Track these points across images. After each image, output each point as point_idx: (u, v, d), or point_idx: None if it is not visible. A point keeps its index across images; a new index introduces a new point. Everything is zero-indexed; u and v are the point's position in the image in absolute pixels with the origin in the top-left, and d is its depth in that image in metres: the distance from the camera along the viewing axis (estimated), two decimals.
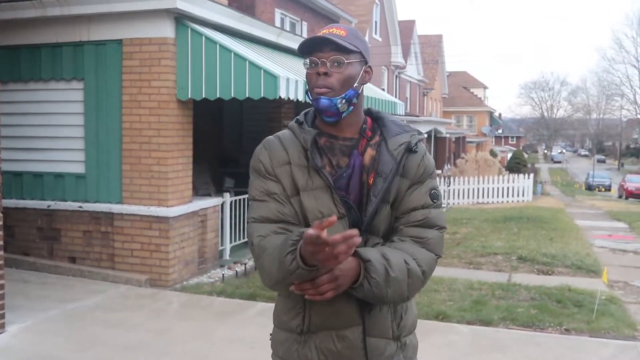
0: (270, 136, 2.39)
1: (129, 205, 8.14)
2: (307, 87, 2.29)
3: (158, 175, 8.00)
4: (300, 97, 8.53)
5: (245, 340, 6.00)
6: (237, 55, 7.92)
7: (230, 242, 9.80)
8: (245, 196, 10.30)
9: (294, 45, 10.85)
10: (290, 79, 8.20)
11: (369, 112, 2.44)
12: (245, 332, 6.26)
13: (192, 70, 8.00)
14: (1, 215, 5.92)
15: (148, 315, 6.85)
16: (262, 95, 7.88)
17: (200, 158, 9.55)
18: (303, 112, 2.41)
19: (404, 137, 2.30)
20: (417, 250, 2.20)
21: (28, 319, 6.40)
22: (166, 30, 7.90)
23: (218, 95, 7.97)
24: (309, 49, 2.24)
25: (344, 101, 2.22)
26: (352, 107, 2.27)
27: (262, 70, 7.85)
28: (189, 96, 8.02)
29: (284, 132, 2.37)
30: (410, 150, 2.28)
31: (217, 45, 7.94)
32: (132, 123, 8.07)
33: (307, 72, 2.28)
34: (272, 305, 7.30)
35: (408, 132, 2.34)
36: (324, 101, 2.20)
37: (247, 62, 7.89)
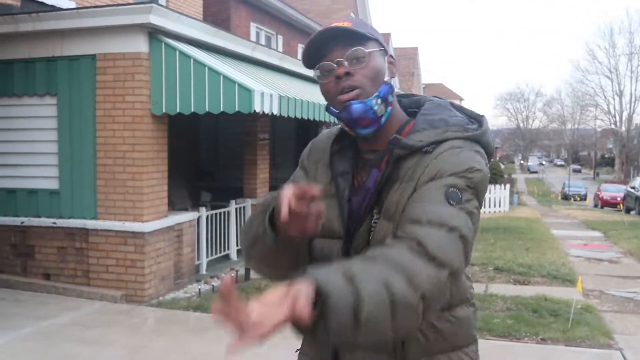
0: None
1: (104, 220, 8.09)
2: (327, 102, 1.82)
3: (133, 190, 7.96)
4: (275, 110, 8.53)
5: (222, 356, 5.97)
6: (211, 69, 7.92)
7: (207, 256, 9.76)
8: (222, 210, 10.28)
9: (270, 59, 10.88)
10: (265, 92, 8.21)
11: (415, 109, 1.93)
12: (222, 348, 6.21)
13: (166, 84, 7.98)
14: None
15: (124, 332, 6.79)
16: (236, 109, 7.88)
17: (176, 172, 9.52)
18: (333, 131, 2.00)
19: (424, 136, 1.77)
20: (412, 262, 1.50)
21: (1, 338, 6.32)
22: (140, 45, 7.88)
23: (192, 110, 7.96)
24: (316, 52, 1.77)
25: (379, 100, 1.76)
26: (389, 108, 1.80)
27: (236, 84, 7.86)
28: (164, 111, 8.00)
29: (332, 130, 2.01)
30: (426, 151, 1.74)
31: (191, 60, 7.94)
32: (107, 138, 8.03)
33: (321, 84, 1.80)
34: None
35: (434, 129, 1.79)
36: (356, 106, 1.72)
37: (222, 76, 7.89)
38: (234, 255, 10.72)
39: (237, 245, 10.84)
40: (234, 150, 12.20)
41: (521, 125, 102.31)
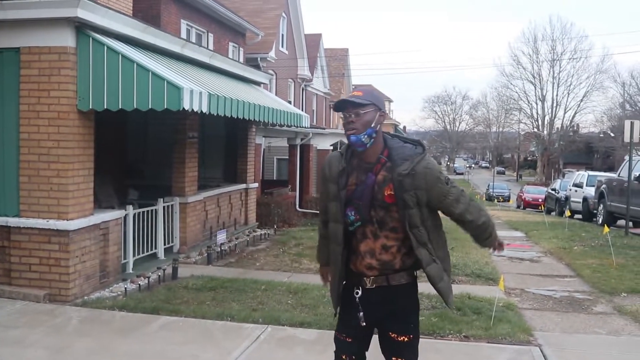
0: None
1: (27, 218, 7.89)
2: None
3: (58, 187, 7.80)
4: (205, 108, 8.49)
5: (148, 355, 5.93)
6: (139, 66, 7.83)
7: (134, 255, 9.62)
8: (150, 208, 10.16)
9: (200, 56, 10.83)
10: (194, 90, 8.16)
11: (386, 145, 3.63)
12: (147, 347, 6.18)
13: (93, 80, 7.84)
14: None
15: (46, 332, 6.64)
16: (165, 107, 7.80)
17: (103, 170, 9.36)
18: (345, 146, 3.73)
19: (406, 165, 3.51)
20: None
21: None
22: (66, 39, 7.72)
23: (120, 106, 7.85)
24: (341, 107, 3.55)
25: (365, 136, 3.51)
26: (372, 140, 3.54)
27: (165, 82, 7.78)
28: (90, 107, 7.86)
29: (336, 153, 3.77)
30: (409, 174, 3.50)
31: (120, 56, 7.82)
32: (31, 134, 7.83)
33: (342, 122, 3.57)
34: (175, 319, 7.14)
35: (407, 160, 3.54)
36: (352, 137, 3.51)
37: (150, 73, 7.80)
38: (161, 254, 10.61)
39: (164, 244, 10.73)
40: (163, 148, 12.06)
41: (448, 127, 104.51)
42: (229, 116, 9.67)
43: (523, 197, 43.09)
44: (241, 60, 21.88)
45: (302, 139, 22.98)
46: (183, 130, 11.33)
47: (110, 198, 9.97)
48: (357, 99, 3.51)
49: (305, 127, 17.26)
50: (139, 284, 8.80)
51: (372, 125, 3.51)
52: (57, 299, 7.78)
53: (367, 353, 3.85)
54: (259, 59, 24.16)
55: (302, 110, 27.03)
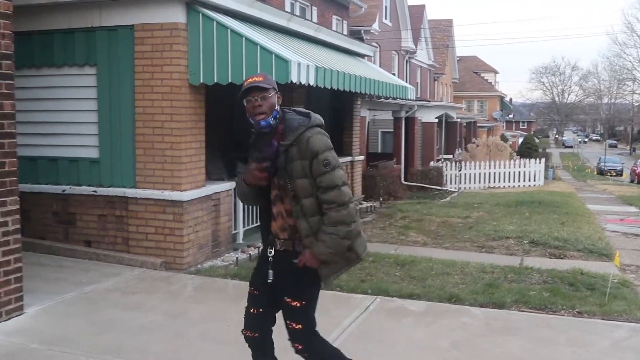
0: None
1: (143, 189, 8.21)
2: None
3: (171, 159, 8.06)
4: (312, 81, 8.55)
5: None
6: (248, 40, 7.95)
7: (244, 225, 9.86)
8: None
9: (305, 30, 10.87)
10: (302, 63, 8.22)
11: (284, 117, 3.83)
12: None
13: (203, 55, 8.03)
14: (18, 199, 6.01)
15: (163, 298, 6.92)
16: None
17: (213, 143, 9.59)
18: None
19: (291, 136, 3.71)
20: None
21: (46, 301, 6.49)
22: (177, 15, 7.93)
23: (230, 80, 8.01)
24: (247, 93, 3.74)
25: (272, 119, 3.75)
26: (277, 120, 3.79)
27: (273, 55, 7.88)
28: (201, 81, 8.07)
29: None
30: (292, 145, 3.69)
31: (229, 30, 7.97)
32: (145, 108, 8.12)
33: (247, 107, 3.76)
34: None
35: (293, 131, 3.72)
36: (262, 122, 3.74)
37: (259, 46, 7.92)
38: None
39: None
40: None
41: (556, 99, 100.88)
42: (335, 89, 9.71)
43: (637, 172, 41.31)
44: (345, 32, 21.84)
45: (407, 112, 22.83)
46: (290, 104, 11.44)
47: (219, 170, 10.22)
48: (261, 83, 3.71)
49: (410, 100, 17.11)
50: (250, 254, 9.01)
51: (276, 108, 3.76)
52: (172, 266, 8.08)
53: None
54: (362, 31, 24.04)
55: (406, 82, 26.78)
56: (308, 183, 3.67)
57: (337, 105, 14.89)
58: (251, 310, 3.99)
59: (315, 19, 19.39)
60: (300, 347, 3.86)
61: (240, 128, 13.58)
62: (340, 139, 14.99)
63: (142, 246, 8.26)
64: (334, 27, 21.32)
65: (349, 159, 14.85)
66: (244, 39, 7.95)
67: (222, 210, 9.00)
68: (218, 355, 5.34)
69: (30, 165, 8.69)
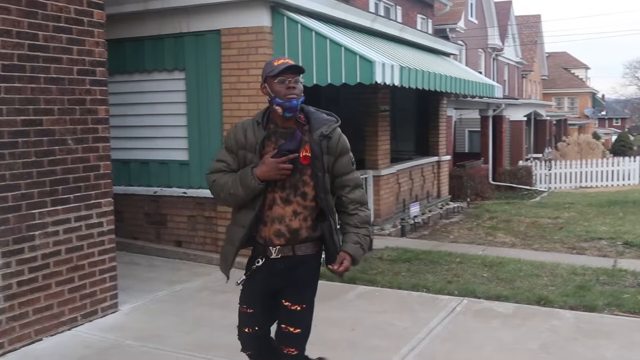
0: None
1: None
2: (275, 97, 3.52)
3: None
4: (397, 81, 8.53)
5: (346, 322, 6.10)
6: (332, 41, 8.00)
7: None
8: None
9: (390, 30, 10.86)
10: (386, 64, 8.21)
11: (302, 110, 3.63)
12: (345, 314, 6.35)
13: (288, 57, 8.09)
14: (112, 200, 6.23)
15: None
16: (358, 81, 7.93)
17: None
18: (260, 113, 3.69)
19: (325, 128, 3.56)
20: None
21: (139, 299, 6.72)
22: (262, 19, 8.04)
23: (315, 82, 8.08)
24: (295, 71, 3.55)
25: (301, 102, 3.53)
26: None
27: (357, 56, 7.90)
28: None
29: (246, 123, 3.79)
30: (325, 137, 3.53)
31: (313, 33, 8.04)
32: (232, 111, 8.26)
33: (279, 87, 3.49)
34: (371, 289, 7.28)
35: (325, 124, 3.59)
36: (294, 102, 3.48)
37: (343, 48, 7.95)
38: None
39: None
40: (354, 123, 12.24)
41: None
42: (420, 88, 9.64)
43: None
44: (430, 31, 21.67)
45: (494, 110, 22.48)
46: (375, 104, 11.45)
47: None
48: (297, 66, 3.59)
49: (497, 98, 16.85)
50: None
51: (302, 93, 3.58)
52: None
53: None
54: (447, 29, 23.80)
55: (493, 80, 26.34)
56: (325, 179, 3.55)
57: (422, 105, 14.79)
58: (246, 330, 3.81)
59: (399, 19, 19.32)
60: (295, 352, 3.66)
61: None
62: (426, 139, 14.90)
63: None
64: (418, 26, 21.19)
65: (435, 158, 14.72)
66: (328, 40, 8.00)
67: None
68: None
69: (123, 168, 9.01)
